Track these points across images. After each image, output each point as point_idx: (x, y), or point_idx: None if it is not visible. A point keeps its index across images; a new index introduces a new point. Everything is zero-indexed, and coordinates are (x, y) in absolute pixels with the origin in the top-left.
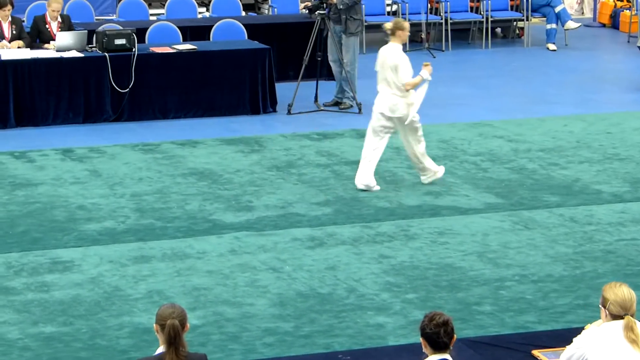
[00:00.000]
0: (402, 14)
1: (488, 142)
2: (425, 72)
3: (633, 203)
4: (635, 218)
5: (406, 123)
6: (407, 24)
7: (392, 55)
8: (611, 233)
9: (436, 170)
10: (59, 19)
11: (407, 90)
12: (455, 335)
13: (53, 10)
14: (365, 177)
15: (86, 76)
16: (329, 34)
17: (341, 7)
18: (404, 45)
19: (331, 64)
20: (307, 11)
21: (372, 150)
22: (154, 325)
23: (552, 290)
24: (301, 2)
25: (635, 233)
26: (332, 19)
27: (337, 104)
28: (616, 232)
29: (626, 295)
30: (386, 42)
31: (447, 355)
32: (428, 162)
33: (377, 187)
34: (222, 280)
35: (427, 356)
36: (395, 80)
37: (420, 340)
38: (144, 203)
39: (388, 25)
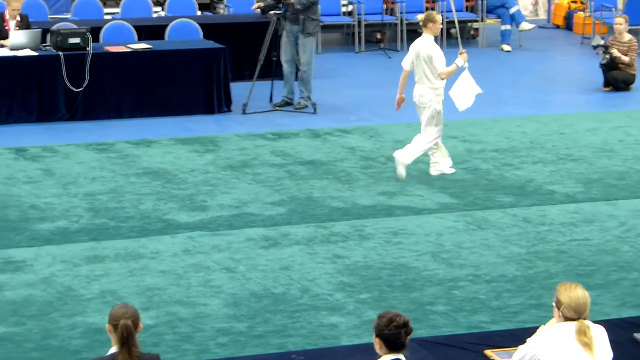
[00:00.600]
0: (358, 14)
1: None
2: (460, 60)
3: (585, 203)
4: (588, 218)
5: (427, 111)
6: (439, 17)
7: (425, 47)
8: (564, 233)
9: (444, 166)
10: (18, 18)
11: (443, 79)
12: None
13: (13, 10)
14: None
15: (40, 75)
16: (284, 33)
17: (298, 7)
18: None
19: (284, 64)
20: (260, 11)
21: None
22: (107, 325)
23: (505, 290)
24: (256, 2)
25: (587, 233)
26: (289, 19)
27: (286, 104)
28: (569, 233)
29: (580, 298)
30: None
31: (401, 356)
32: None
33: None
34: (175, 280)
35: (380, 356)
36: (429, 71)
37: (375, 340)
38: (97, 202)
39: (420, 17)
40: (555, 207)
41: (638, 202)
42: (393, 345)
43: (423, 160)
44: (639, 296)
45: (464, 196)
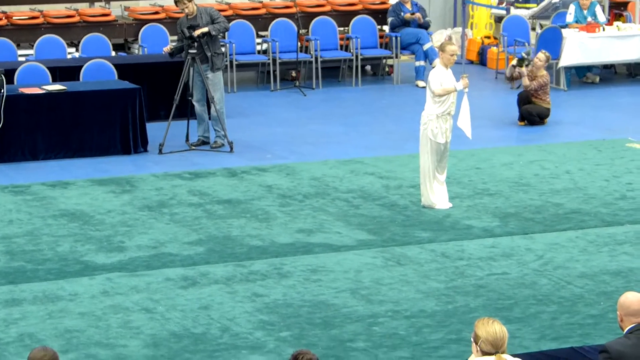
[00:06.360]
0: (273, 53)
1: (359, 179)
2: (460, 84)
3: (503, 237)
4: (505, 252)
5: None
6: (449, 47)
7: (431, 73)
8: (482, 268)
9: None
10: None
11: (438, 96)
12: None
13: None
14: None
15: None
16: (194, 73)
17: (214, 33)
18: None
19: (196, 104)
20: (169, 55)
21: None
22: None
23: (424, 325)
24: (171, 42)
25: (505, 267)
26: (198, 57)
27: (203, 143)
28: (487, 267)
29: (498, 333)
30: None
31: None
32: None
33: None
34: (94, 322)
35: None
36: (429, 94)
37: None
38: (14, 245)
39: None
40: (473, 241)
41: (554, 236)
42: None
43: (340, 197)
44: (557, 329)
45: (382, 232)
